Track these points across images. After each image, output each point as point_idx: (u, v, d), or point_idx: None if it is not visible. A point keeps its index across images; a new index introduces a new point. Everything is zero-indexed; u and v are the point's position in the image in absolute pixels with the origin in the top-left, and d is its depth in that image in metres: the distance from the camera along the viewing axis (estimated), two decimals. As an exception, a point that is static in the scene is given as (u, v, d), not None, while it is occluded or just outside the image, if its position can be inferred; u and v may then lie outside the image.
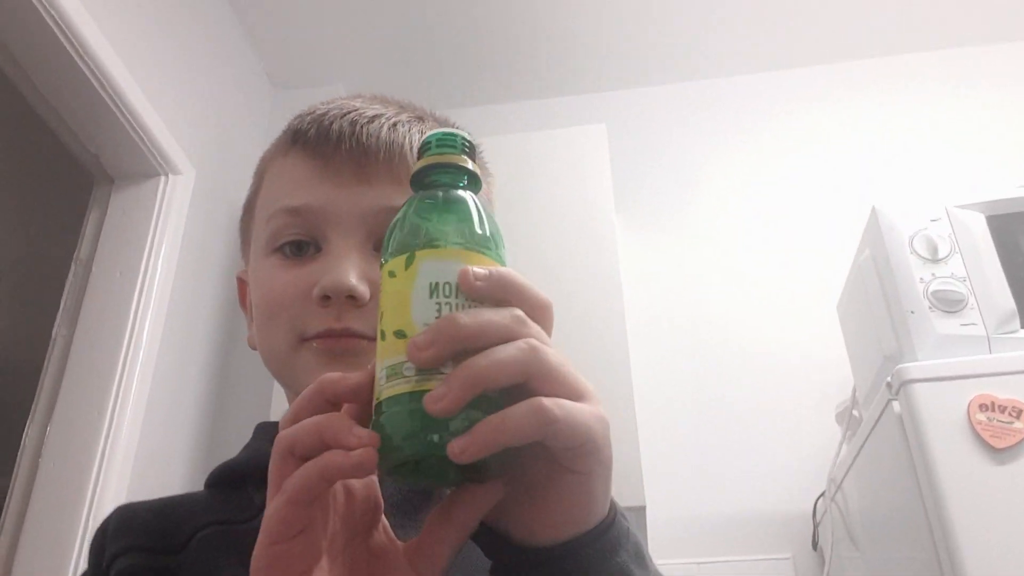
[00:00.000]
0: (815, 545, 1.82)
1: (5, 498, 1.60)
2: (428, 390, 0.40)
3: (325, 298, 0.61)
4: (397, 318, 0.42)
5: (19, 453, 1.64)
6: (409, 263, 0.43)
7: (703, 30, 2.46)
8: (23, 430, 1.67)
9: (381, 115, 0.67)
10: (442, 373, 0.40)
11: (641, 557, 0.45)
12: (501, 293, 0.42)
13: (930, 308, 1.38)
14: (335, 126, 0.65)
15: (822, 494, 1.76)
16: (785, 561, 1.83)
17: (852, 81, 2.48)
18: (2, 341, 3.37)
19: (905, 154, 2.32)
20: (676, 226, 2.33)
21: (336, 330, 0.61)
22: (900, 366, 1.32)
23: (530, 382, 0.40)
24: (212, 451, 1.98)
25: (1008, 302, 1.37)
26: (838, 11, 2.41)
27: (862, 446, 1.52)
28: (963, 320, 1.36)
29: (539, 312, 0.43)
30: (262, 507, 0.57)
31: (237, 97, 2.36)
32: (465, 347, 0.40)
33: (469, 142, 0.47)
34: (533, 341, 0.40)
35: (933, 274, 1.41)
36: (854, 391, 1.71)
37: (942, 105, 2.38)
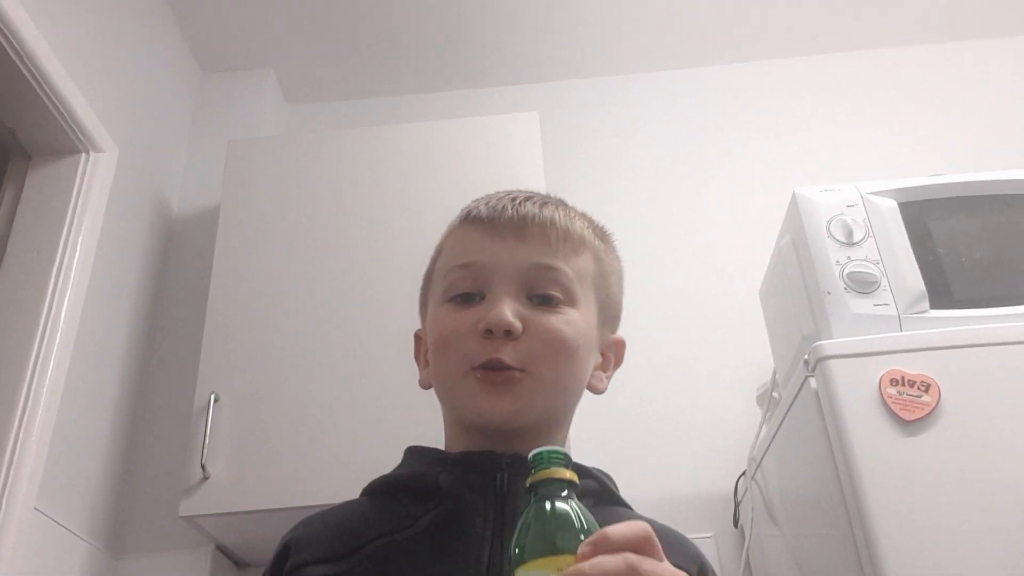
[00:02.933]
0: (736, 523, 1.87)
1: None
2: None
3: (488, 332, 0.78)
4: None
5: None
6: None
7: (628, 27, 2.52)
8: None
9: (532, 197, 0.88)
10: None
11: None
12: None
13: (845, 289, 1.44)
14: (500, 204, 0.86)
15: (743, 473, 1.80)
16: (707, 540, 1.87)
17: (775, 77, 2.57)
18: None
19: (825, 147, 2.41)
20: (602, 214, 2.34)
21: (495, 360, 0.77)
22: (816, 343, 1.37)
23: None
24: (132, 438, 1.91)
25: (918, 284, 1.43)
26: (759, 11, 2.49)
27: (780, 423, 1.56)
28: (876, 301, 1.42)
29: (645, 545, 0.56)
30: (417, 518, 0.76)
31: (164, 78, 2.30)
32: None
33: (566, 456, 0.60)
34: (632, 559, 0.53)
35: (849, 257, 1.47)
36: (774, 374, 1.77)
37: (861, 100, 2.50)
